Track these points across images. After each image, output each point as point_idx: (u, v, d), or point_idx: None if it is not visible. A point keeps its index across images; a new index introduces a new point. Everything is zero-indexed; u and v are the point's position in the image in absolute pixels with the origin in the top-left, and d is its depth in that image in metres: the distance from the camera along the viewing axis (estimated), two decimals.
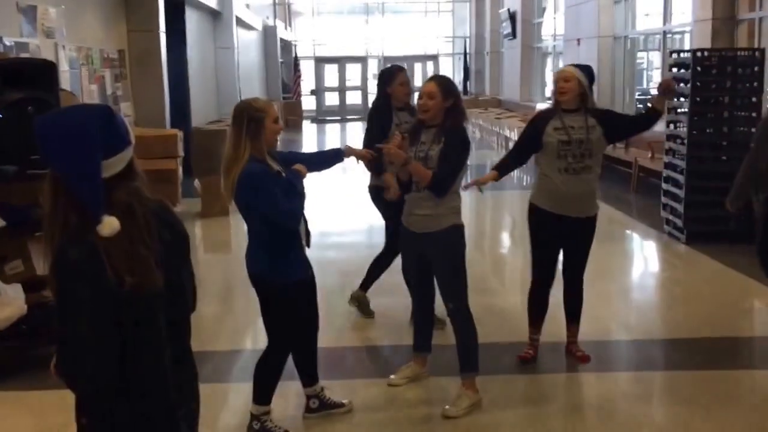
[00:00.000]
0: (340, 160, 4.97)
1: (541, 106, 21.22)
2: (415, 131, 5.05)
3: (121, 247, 2.26)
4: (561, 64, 20.64)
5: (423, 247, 5.01)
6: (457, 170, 4.91)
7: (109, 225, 2.22)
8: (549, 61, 23.67)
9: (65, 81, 9.30)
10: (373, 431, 4.87)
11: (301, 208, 4.46)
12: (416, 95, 5.36)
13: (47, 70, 6.30)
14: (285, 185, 4.37)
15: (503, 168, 5.70)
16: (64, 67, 9.44)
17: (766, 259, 5.84)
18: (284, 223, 4.37)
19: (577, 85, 5.35)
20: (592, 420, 5.00)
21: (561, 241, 5.58)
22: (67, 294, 2.25)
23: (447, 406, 4.96)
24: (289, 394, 5.11)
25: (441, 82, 5.01)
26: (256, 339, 6.40)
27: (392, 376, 5.32)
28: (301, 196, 4.43)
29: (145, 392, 2.39)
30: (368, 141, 6.12)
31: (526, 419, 4.96)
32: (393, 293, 6.98)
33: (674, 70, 9.78)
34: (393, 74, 6.42)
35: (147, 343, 2.36)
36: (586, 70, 5.56)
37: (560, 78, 5.44)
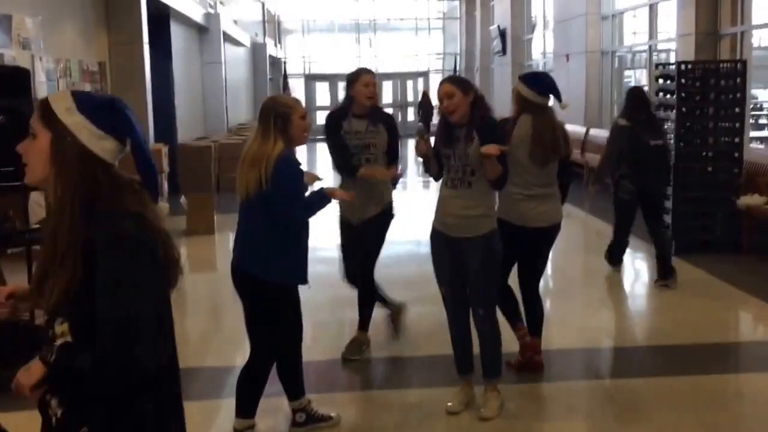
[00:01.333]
0: (329, 201, 4.74)
1: None
2: (447, 132, 4.92)
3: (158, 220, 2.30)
4: None
5: (460, 251, 4.89)
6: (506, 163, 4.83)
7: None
8: None
9: (42, 93, 9.20)
10: None
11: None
12: (425, 102, 5.32)
13: (20, 78, 6.20)
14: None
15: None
16: (41, 79, 9.34)
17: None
18: (297, 215, 4.42)
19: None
20: (581, 426, 5.02)
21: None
22: (126, 270, 2.18)
23: (481, 410, 5.01)
24: (276, 410, 5.06)
25: (454, 80, 4.97)
26: (244, 355, 6.31)
27: (449, 403, 5.13)
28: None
29: (174, 378, 2.42)
30: (332, 157, 5.99)
31: (515, 427, 4.98)
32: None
33: (660, 81, 9.85)
34: (357, 75, 5.87)
35: (171, 325, 2.38)
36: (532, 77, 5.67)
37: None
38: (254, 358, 4.58)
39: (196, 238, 11.02)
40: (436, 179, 5.10)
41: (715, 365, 6.04)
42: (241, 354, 6.39)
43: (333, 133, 5.93)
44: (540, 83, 5.59)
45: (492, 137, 4.73)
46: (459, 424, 4.99)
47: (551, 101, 5.69)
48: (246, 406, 4.57)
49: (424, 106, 5.05)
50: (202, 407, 5.30)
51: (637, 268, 9.78)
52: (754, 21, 11.71)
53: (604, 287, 8.62)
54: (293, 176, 4.38)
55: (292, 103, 4.50)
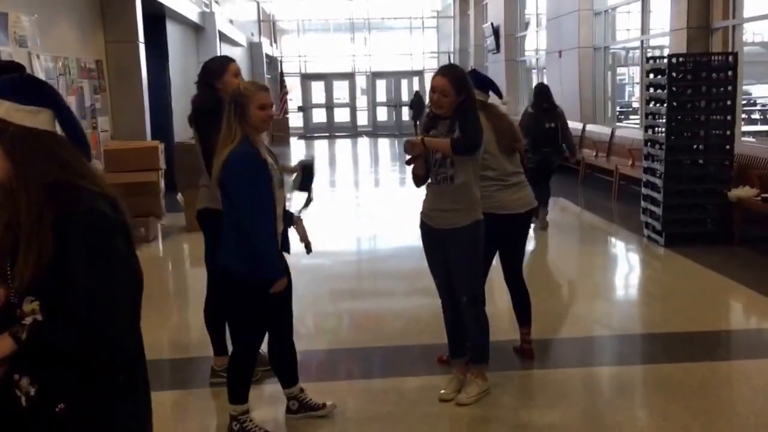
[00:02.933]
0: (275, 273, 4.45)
1: None
2: (431, 123, 5.01)
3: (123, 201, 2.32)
4: (545, 78, 20.79)
5: (444, 242, 4.98)
6: (479, 129, 4.79)
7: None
8: (533, 74, 23.80)
9: None
10: (355, 428, 4.91)
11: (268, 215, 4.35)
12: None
13: (14, 72, 6.16)
14: (266, 179, 4.31)
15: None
16: (39, 77, 9.39)
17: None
18: (249, 212, 4.25)
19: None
20: (576, 411, 5.04)
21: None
22: (102, 247, 2.21)
23: (459, 394, 5.08)
24: (273, 396, 5.14)
25: (453, 77, 4.85)
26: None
27: (442, 391, 5.18)
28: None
29: (143, 355, 2.44)
30: (205, 150, 5.29)
31: (506, 414, 5.00)
32: (378, 297, 7.04)
33: (651, 76, 9.90)
34: (223, 65, 5.43)
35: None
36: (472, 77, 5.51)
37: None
38: (238, 349, 4.60)
39: (196, 235, 11.02)
40: (417, 182, 5.08)
41: (705, 353, 6.07)
42: None
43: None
44: (480, 80, 5.63)
45: (465, 116, 4.78)
46: (451, 411, 5.04)
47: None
48: (237, 393, 4.61)
49: (416, 105, 5.10)
50: (204, 395, 5.43)
51: (626, 258, 9.90)
52: (746, 14, 11.77)
53: (596, 278, 8.72)
54: (244, 172, 4.24)
55: (250, 92, 4.36)
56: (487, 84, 5.71)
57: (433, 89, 4.86)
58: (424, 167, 4.99)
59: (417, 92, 31.22)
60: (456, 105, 4.83)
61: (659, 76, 9.68)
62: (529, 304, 5.91)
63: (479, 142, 4.81)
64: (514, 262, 5.82)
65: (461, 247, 4.93)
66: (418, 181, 5.08)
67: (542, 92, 10.86)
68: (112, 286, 2.21)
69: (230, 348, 5.44)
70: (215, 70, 5.37)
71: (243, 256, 4.31)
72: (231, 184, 4.26)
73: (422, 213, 5.11)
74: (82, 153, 2.36)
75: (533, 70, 23.86)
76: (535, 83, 23.27)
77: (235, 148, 4.25)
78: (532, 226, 8.16)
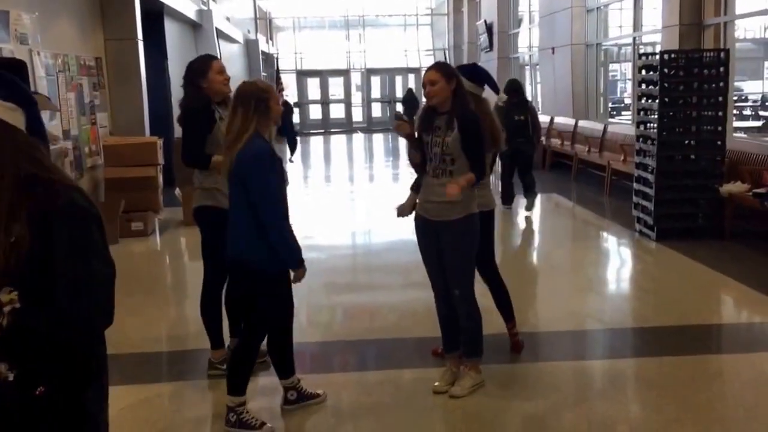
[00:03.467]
0: (295, 262, 4.61)
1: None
2: (428, 118, 5.04)
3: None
4: (537, 75, 20.96)
5: (438, 234, 5.04)
6: (484, 153, 5.03)
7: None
8: (526, 71, 23.94)
9: (42, 88, 9.35)
10: (351, 419, 4.98)
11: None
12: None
13: (17, 69, 6.18)
14: (281, 172, 4.50)
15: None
16: (40, 74, 9.50)
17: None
18: (266, 210, 4.37)
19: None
20: (568, 404, 5.08)
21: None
22: (80, 235, 2.29)
23: (453, 387, 5.14)
24: (269, 389, 5.24)
25: (440, 66, 5.06)
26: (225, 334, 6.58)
27: (436, 383, 5.25)
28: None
29: (104, 339, 2.49)
30: (188, 151, 5.38)
31: (500, 407, 5.05)
32: (373, 290, 7.14)
33: (643, 72, 10.01)
34: (207, 63, 5.49)
35: None
36: (470, 69, 5.77)
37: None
38: (245, 341, 4.70)
39: (194, 229, 11.11)
40: (418, 170, 5.15)
41: (696, 347, 6.13)
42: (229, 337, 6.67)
43: (210, 119, 5.48)
44: (477, 74, 5.72)
45: (472, 133, 4.89)
46: (445, 403, 5.09)
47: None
48: (238, 385, 4.69)
49: (408, 101, 5.19)
50: (201, 386, 5.50)
51: (618, 253, 10.05)
52: (738, 11, 11.89)
53: (588, 272, 8.80)
54: (262, 166, 4.37)
55: (270, 88, 4.61)
56: (484, 78, 5.75)
57: (424, 84, 4.97)
58: (419, 156, 5.04)
59: (410, 89, 31.46)
60: (450, 95, 4.91)
61: (651, 73, 9.77)
62: (508, 297, 5.95)
63: (485, 171, 5.08)
64: (484, 253, 5.65)
65: (455, 240, 5.00)
66: (417, 169, 5.15)
67: (513, 88, 11.77)
68: (92, 273, 2.30)
69: (227, 341, 5.59)
70: (199, 69, 5.44)
71: (263, 249, 4.43)
72: (253, 179, 4.36)
73: (418, 205, 5.19)
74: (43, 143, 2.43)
75: (526, 67, 24.01)
76: (528, 80, 23.61)
77: (251, 143, 4.37)
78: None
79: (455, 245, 5.01)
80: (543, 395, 5.18)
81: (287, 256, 4.49)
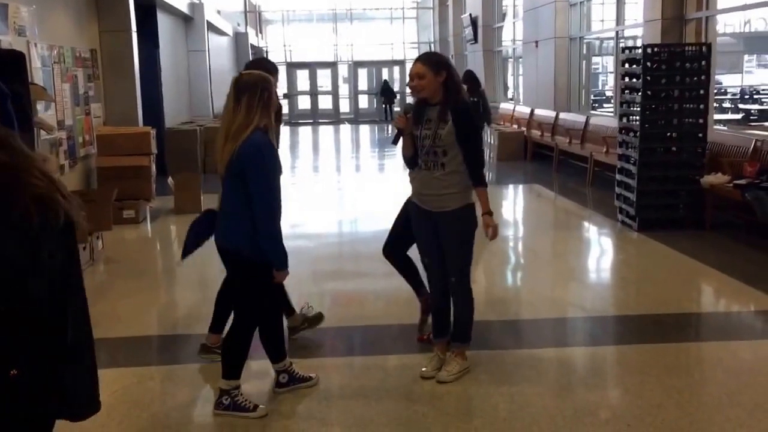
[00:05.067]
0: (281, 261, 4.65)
1: (505, 105, 21.77)
2: (419, 110, 5.02)
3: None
4: (521, 68, 21.18)
5: (437, 224, 5.08)
6: (481, 149, 5.12)
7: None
8: (510, 64, 24.19)
9: (38, 79, 9.52)
10: (340, 403, 5.00)
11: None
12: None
13: (16, 60, 6.23)
14: (278, 164, 4.53)
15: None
16: (36, 65, 9.66)
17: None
18: (262, 209, 4.42)
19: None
20: (552, 390, 5.11)
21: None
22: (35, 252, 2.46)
23: (441, 372, 5.18)
24: (259, 372, 5.30)
25: (427, 58, 5.01)
26: (227, 324, 6.68)
27: (423, 369, 5.28)
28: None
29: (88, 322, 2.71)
30: None
31: (485, 392, 5.08)
32: (360, 278, 7.35)
33: (626, 65, 10.15)
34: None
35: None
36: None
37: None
38: (239, 326, 4.75)
39: (184, 217, 11.31)
40: (408, 163, 5.16)
41: (677, 334, 6.21)
42: (227, 322, 6.82)
43: None
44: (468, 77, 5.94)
45: (466, 123, 4.93)
46: (432, 388, 5.13)
47: None
48: (233, 369, 4.75)
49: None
50: (191, 370, 5.58)
51: (600, 243, 10.27)
52: (719, 6, 12.02)
53: (570, 261, 8.89)
54: (264, 161, 4.42)
55: (270, 78, 4.64)
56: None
57: (411, 77, 4.95)
58: (411, 148, 5.05)
59: (385, 80, 33.72)
60: (440, 87, 4.89)
61: (634, 66, 9.91)
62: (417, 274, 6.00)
63: (482, 167, 5.10)
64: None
65: (454, 229, 5.06)
66: (408, 161, 5.15)
67: (470, 77, 12.05)
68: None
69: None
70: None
71: (245, 236, 4.47)
72: (252, 172, 4.39)
73: (414, 196, 5.21)
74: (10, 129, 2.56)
75: (509, 60, 24.23)
76: (511, 73, 23.86)
77: (253, 136, 4.39)
78: None
79: (454, 233, 5.07)
80: (528, 381, 5.23)
81: (275, 257, 4.54)
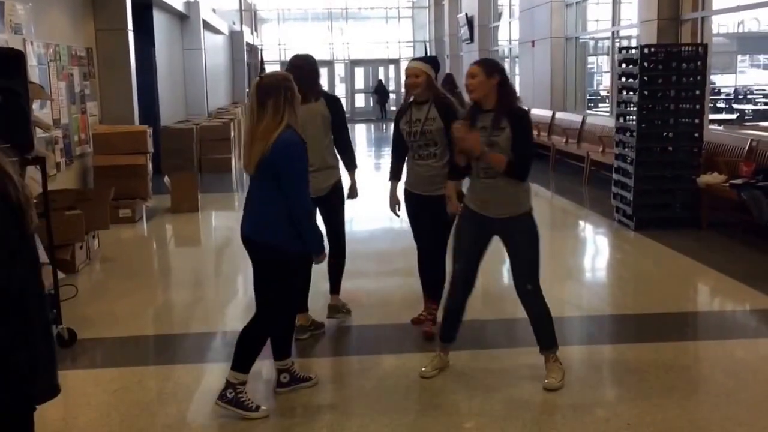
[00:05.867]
0: (318, 246, 4.82)
1: None
2: (472, 116, 4.96)
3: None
4: (517, 67, 21.21)
5: (499, 231, 5.02)
6: (533, 153, 5.06)
7: None
8: (506, 64, 24.19)
9: (34, 77, 9.45)
10: (339, 403, 5.01)
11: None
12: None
13: (15, 59, 6.22)
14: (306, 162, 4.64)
15: (395, 172, 6.20)
16: (32, 63, 9.62)
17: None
18: (297, 198, 4.55)
19: (426, 79, 5.70)
20: (539, 389, 5.08)
21: (422, 216, 5.83)
22: None
23: (546, 380, 5.07)
24: (259, 372, 5.27)
25: (483, 61, 5.02)
26: (224, 323, 6.73)
27: (423, 368, 5.27)
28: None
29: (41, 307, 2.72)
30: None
31: (482, 393, 5.07)
32: (357, 277, 7.30)
33: (623, 65, 10.20)
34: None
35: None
36: (432, 61, 6.01)
37: (410, 74, 5.75)
38: (263, 321, 4.77)
39: (180, 216, 11.39)
40: (461, 171, 5.17)
41: (676, 333, 6.24)
42: (222, 321, 6.79)
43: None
44: (437, 66, 6.04)
45: (524, 128, 4.87)
46: (430, 387, 5.14)
47: None
48: (245, 363, 4.74)
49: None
50: (188, 370, 5.59)
51: (597, 242, 10.29)
52: (715, 6, 12.06)
53: (567, 260, 8.90)
54: (297, 159, 4.54)
55: (290, 76, 4.71)
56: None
57: (466, 78, 4.94)
58: (467, 158, 4.96)
59: (380, 80, 34.17)
60: (493, 92, 4.84)
61: (631, 66, 9.96)
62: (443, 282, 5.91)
63: (526, 177, 4.94)
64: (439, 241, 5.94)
65: (524, 235, 4.99)
66: (461, 171, 5.13)
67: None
68: None
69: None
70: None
71: (287, 231, 4.56)
72: (285, 169, 4.49)
73: (471, 202, 5.08)
74: None
75: (506, 60, 24.26)
76: (507, 72, 23.78)
77: (284, 135, 4.48)
78: None
79: (527, 241, 5.00)
80: (527, 380, 5.22)
81: (312, 238, 4.65)
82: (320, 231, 4.78)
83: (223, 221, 11.67)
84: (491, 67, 4.90)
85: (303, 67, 5.78)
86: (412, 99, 5.86)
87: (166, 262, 9.41)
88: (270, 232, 4.61)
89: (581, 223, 11.40)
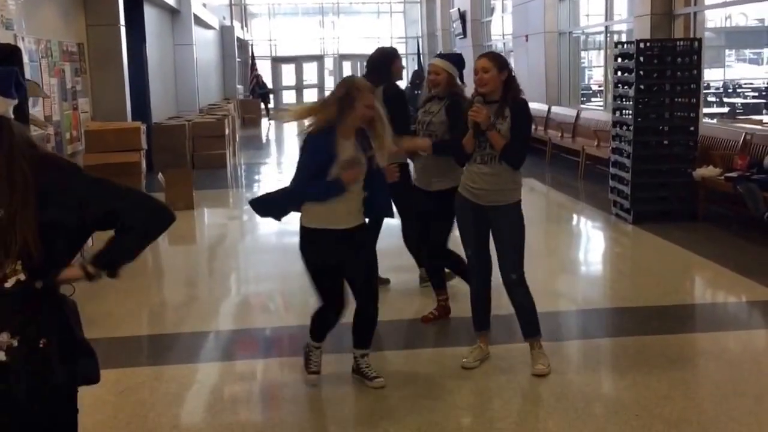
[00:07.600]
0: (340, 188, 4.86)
1: None
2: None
3: None
4: (512, 62, 21.16)
5: (489, 219, 5.16)
6: (527, 144, 5.22)
7: None
8: None
9: (26, 72, 9.42)
10: (352, 395, 5.06)
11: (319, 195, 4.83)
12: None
13: (11, 54, 6.18)
14: (324, 164, 4.68)
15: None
16: (24, 59, 9.55)
17: None
18: (292, 192, 4.89)
19: (446, 77, 5.96)
20: (559, 381, 5.11)
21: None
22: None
23: (535, 367, 5.18)
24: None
25: (494, 57, 5.17)
26: (218, 322, 6.73)
27: (464, 359, 5.34)
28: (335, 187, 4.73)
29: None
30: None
31: (495, 387, 5.10)
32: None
33: (619, 60, 10.21)
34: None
35: None
36: (455, 59, 6.14)
37: (431, 71, 6.07)
38: (368, 303, 4.98)
39: (175, 213, 11.24)
40: (464, 156, 5.19)
41: (679, 326, 6.27)
42: (215, 321, 6.77)
43: None
44: (460, 63, 6.15)
45: (523, 116, 5.09)
46: (443, 383, 5.13)
47: None
48: (364, 340, 5.08)
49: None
50: (197, 370, 5.58)
51: (595, 236, 10.29)
52: (707, 1, 12.12)
53: (565, 255, 8.95)
54: (305, 151, 4.77)
55: (364, 90, 4.72)
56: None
57: (476, 71, 5.04)
58: (473, 143, 5.09)
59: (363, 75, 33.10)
60: (500, 85, 5.03)
61: (627, 61, 9.98)
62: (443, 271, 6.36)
63: (524, 159, 5.16)
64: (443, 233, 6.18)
65: (510, 224, 5.17)
66: (464, 156, 5.19)
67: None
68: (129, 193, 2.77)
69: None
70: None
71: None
72: (300, 155, 4.87)
73: (464, 189, 5.24)
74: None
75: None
76: None
77: (314, 128, 4.77)
78: None
79: (511, 230, 5.18)
80: (521, 375, 5.23)
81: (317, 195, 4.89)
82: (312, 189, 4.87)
83: (219, 218, 11.54)
84: (502, 63, 5.10)
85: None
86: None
87: (165, 261, 9.32)
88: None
89: (580, 217, 11.40)
